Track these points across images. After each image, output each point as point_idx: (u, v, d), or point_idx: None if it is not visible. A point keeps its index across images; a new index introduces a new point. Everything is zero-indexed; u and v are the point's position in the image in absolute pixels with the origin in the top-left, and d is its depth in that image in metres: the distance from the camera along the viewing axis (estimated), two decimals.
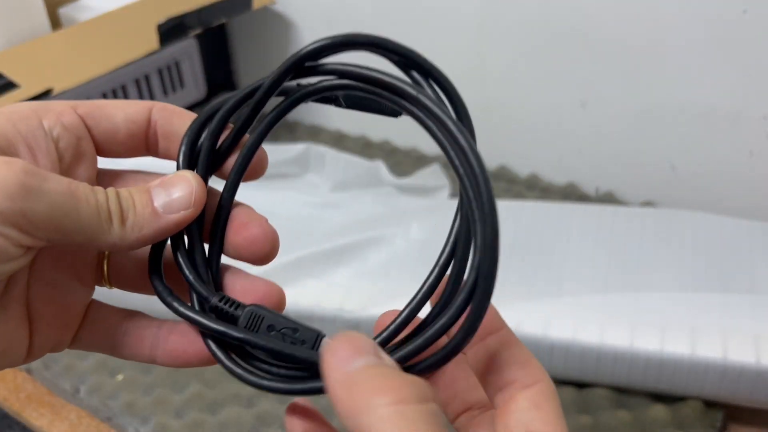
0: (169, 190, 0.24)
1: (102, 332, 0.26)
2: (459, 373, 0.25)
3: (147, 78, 0.80)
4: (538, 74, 0.72)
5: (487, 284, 0.21)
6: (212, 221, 0.25)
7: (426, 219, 0.64)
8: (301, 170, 0.72)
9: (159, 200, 0.23)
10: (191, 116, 0.26)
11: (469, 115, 0.25)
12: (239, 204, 0.26)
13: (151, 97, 0.81)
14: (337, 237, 0.62)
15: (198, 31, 0.78)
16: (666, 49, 0.64)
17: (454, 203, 0.77)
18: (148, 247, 0.25)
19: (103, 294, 0.27)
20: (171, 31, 0.74)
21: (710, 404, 0.52)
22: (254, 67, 0.92)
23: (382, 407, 0.18)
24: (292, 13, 0.85)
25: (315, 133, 0.87)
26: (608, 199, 0.73)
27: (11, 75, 0.65)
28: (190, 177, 0.24)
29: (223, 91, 0.91)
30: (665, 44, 0.64)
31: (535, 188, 0.75)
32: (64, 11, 0.81)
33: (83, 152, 0.25)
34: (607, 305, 0.54)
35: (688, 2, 0.61)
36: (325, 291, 0.57)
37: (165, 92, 0.83)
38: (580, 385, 0.54)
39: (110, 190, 0.23)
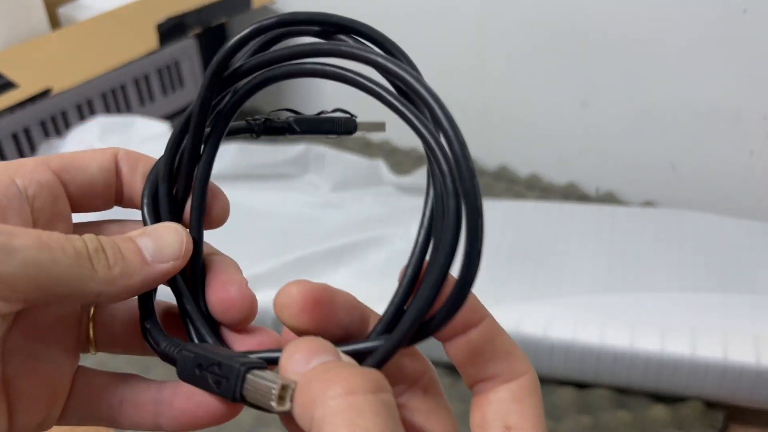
0: (158, 242, 0.22)
1: (94, 403, 0.24)
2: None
3: (146, 78, 0.80)
4: (539, 74, 0.72)
5: (466, 272, 0.20)
6: (189, 273, 0.24)
7: None
8: (300, 171, 0.72)
9: (147, 249, 0.22)
10: (154, 161, 0.25)
11: (408, 57, 0.24)
12: (219, 256, 0.25)
13: (151, 97, 0.81)
14: (337, 237, 0.62)
15: (197, 30, 0.78)
16: (666, 49, 0.64)
17: None
18: (134, 305, 0.24)
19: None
20: (170, 30, 0.73)
21: (711, 404, 0.52)
22: None
23: (332, 399, 0.18)
24: None
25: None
26: (608, 199, 0.72)
27: (10, 74, 0.65)
28: (178, 227, 0.23)
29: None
30: (665, 44, 0.64)
31: (536, 188, 0.75)
32: (63, 11, 0.81)
33: (59, 212, 0.23)
34: (607, 305, 0.54)
35: (688, 2, 0.61)
36: None
37: (164, 92, 0.83)
38: (581, 386, 0.53)
39: (87, 236, 0.21)
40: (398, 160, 0.79)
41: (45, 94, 0.65)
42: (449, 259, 0.20)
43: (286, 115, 0.26)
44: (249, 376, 0.20)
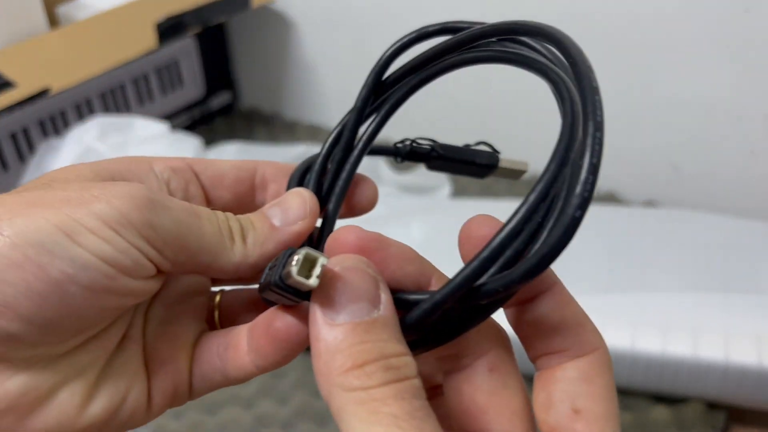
0: (284, 206, 0.24)
1: (212, 360, 0.24)
2: None
3: (146, 77, 0.80)
4: None
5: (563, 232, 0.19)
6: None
7: (426, 219, 0.64)
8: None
9: (276, 217, 0.23)
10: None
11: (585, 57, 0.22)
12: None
13: (150, 97, 0.81)
14: None
15: (197, 30, 0.77)
16: (667, 48, 0.64)
17: (455, 203, 0.77)
18: (256, 287, 0.24)
19: None
20: (170, 29, 0.73)
21: (712, 405, 0.51)
22: (253, 67, 0.92)
23: (351, 392, 0.17)
24: (291, 12, 0.84)
25: (314, 133, 0.87)
26: (609, 198, 0.72)
27: (8, 74, 0.65)
28: (302, 190, 0.24)
29: (222, 90, 0.91)
30: (666, 43, 0.64)
31: None
32: (61, 10, 0.81)
33: (193, 195, 0.25)
34: (608, 305, 0.53)
35: (689, 1, 0.60)
36: None
37: (164, 91, 0.83)
38: None
39: (228, 213, 0.23)
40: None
41: (44, 93, 0.65)
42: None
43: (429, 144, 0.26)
44: (302, 254, 0.19)
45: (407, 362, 0.18)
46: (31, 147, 0.71)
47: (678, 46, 0.63)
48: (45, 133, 0.72)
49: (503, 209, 0.71)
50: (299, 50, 0.86)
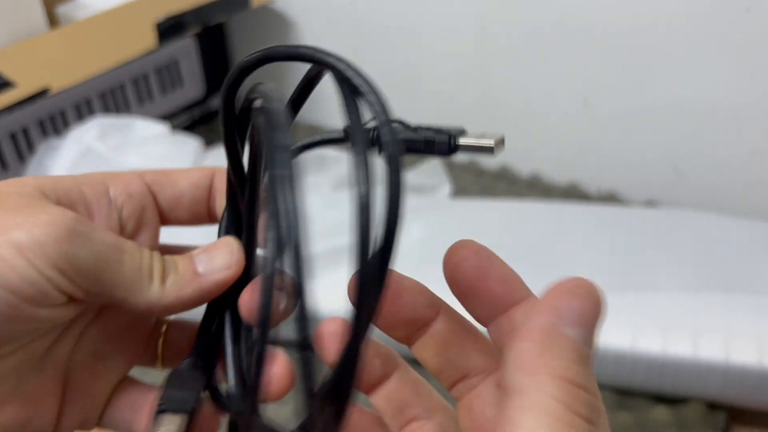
0: (211, 253, 0.24)
1: (127, 409, 0.25)
2: (451, 336, 0.23)
3: (145, 77, 0.80)
4: (540, 73, 0.71)
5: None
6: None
7: (426, 219, 0.64)
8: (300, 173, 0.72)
9: (201, 264, 0.23)
10: None
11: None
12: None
13: (150, 96, 0.81)
14: (337, 237, 0.62)
15: (196, 29, 0.77)
16: (668, 48, 0.64)
17: (455, 202, 0.77)
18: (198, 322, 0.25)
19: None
20: (169, 29, 0.73)
21: (713, 406, 0.51)
22: None
23: (551, 396, 0.17)
24: (291, 12, 0.84)
25: (314, 132, 0.86)
26: (610, 198, 0.72)
27: (8, 73, 0.65)
28: (231, 240, 0.24)
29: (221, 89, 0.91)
30: (667, 43, 0.64)
31: (537, 188, 0.75)
32: (61, 9, 0.80)
33: (146, 221, 0.25)
34: (608, 306, 0.53)
35: (690, 1, 0.60)
36: (325, 291, 0.57)
37: (163, 91, 0.82)
38: None
39: (155, 252, 0.23)
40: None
41: (43, 93, 0.65)
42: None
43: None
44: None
45: (601, 411, 0.18)
46: (31, 147, 0.71)
47: (679, 46, 0.63)
48: (44, 133, 0.72)
49: (504, 209, 0.72)
50: None
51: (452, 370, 0.23)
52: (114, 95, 0.77)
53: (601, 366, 0.51)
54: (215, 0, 0.76)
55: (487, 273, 0.22)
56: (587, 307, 0.19)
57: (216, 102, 0.91)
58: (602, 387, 0.52)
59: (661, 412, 0.51)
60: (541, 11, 0.68)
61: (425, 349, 0.23)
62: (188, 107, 0.87)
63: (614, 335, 0.51)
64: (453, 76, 0.77)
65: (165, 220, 0.26)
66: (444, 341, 0.23)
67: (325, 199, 0.69)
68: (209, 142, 0.81)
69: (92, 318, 0.24)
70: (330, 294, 0.60)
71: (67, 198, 0.23)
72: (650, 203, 0.70)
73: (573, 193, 0.73)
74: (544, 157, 0.76)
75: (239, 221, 0.25)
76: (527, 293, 0.22)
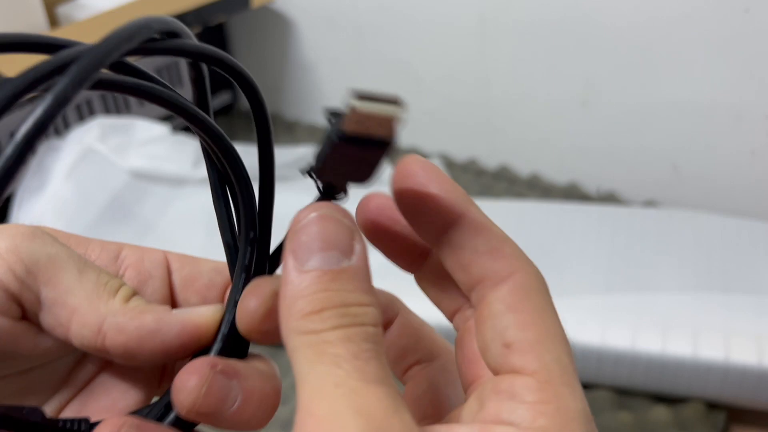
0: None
1: None
2: (400, 329, 0.23)
3: None
4: (539, 74, 0.72)
5: None
6: None
7: None
8: (300, 174, 0.72)
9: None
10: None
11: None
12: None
13: None
14: None
15: (197, 29, 0.77)
16: (668, 49, 0.64)
17: None
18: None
19: None
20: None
21: (712, 405, 0.51)
22: (252, 66, 0.92)
23: (304, 335, 0.16)
24: (291, 12, 0.84)
25: (314, 132, 0.87)
26: (610, 198, 0.72)
27: (8, 74, 0.65)
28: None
29: (221, 90, 0.91)
30: (667, 43, 0.64)
31: (536, 188, 0.75)
32: (62, 10, 0.81)
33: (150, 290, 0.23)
34: (608, 306, 0.53)
35: (690, 1, 0.60)
36: None
37: None
38: (582, 386, 0.53)
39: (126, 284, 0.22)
40: (398, 159, 0.79)
41: None
42: None
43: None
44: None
45: (368, 312, 0.17)
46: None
47: (678, 46, 0.63)
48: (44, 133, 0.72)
49: (503, 209, 0.72)
50: (299, 50, 0.86)
51: (449, 300, 0.21)
52: (114, 95, 0.77)
53: (600, 366, 0.51)
54: (215, 0, 0.76)
55: (432, 186, 0.20)
56: (322, 230, 0.18)
57: (216, 102, 0.91)
58: (602, 387, 0.53)
59: (660, 412, 0.51)
60: (541, 12, 0.68)
61: (425, 278, 0.22)
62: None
63: (614, 335, 0.51)
64: (452, 76, 0.77)
65: (175, 303, 0.23)
66: (441, 270, 0.21)
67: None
68: None
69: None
70: None
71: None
72: (650, 203, 0.71)
73: (573, 193, 0.73)
74: (544, 157, 0.76)
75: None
76: (462, 210, 0.19)
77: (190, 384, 0.19)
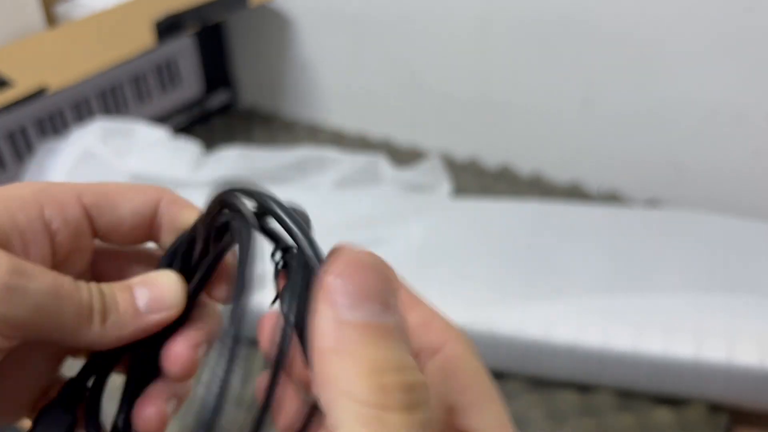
0: (153, 291, 0.22)
1: None
2: None
3: (144, 76, 0.79)
4: (541, 72, 0.71)
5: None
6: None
7: (426, 219, 0.63)
8: (301, 174, 0.72)
9: (142, 299, 0.22)
10: (197, 211, 0.25)
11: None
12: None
13: (149, 96, 0.81)
14: (337, 237, 0.61)
15: (195, 28, 0.77)
16: (670, 47, 0.64)
17: (454, 202, 0.76)
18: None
19: None
20: (168, 28, 0.73)
21: (715, 407, 0.51)
22: (251, 65, 0.91)
23: (361, 406, 0.15)
24: (289, 11, 0.84)
25: (314, 132, 0.86)
26: (611, 197, 0.72)
27: (6, 72, 0.64)
28: (175, 277, 0.23)
29: (220, 89, 0.91)
30: (669, 42, 0.63)
31: (538, 187, 0.75)
32: (59, 9, 0.80)
33: (80, 247, 0.23)
34: (610, 307, 0.53)
35: (692, 0, 0.60)
36: None
37: (162, 90, 0.82)
38: (584, 388, 0.53)
39: (94, 287, 0.22)
40: (398, 159, 0.78)
41: (41, 92, 0.64)
42: None
43: None
44: None
45: (423, 383, 0.16)
46: (29, 146, 0.71)
47: (680, 46, 0.63)
48: (43, 133, 0.72)
49: (504, 209, 0.71)
50: (298, 49, 0.86)
51: None
52: (113, 94, 0.77)
53: (603, 367, 0.51)
54: None
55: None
56: (363, 279, 0.16)
57: (215, 101, 0.90)
58: (604, 388, 0.52)
59: (663, 414, 0.51)
60: (542, 11, 0.68)
61: None
62: (187, 106, 0.87)
63: (616, 336, 0.51)
64: (453, 75, 0.77)
65: (103, 238, 0.24)
66: None
67: (325, 200, 0.69)
68: (208, 140, 0.81)
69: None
70: None
71: (2, 231, 0.21)
72: (651, 202, 0.70)
73: (574, 193, 0.73)
74: (545, 157, 0.75)
75: (189, 261, 0.24)
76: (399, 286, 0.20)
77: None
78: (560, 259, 0.59)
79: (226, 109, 0.92)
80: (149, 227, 0.24)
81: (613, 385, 0.52)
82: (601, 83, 0.68)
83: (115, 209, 0.24)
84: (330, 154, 0.71)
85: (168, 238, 0.25)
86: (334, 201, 0.68)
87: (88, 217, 0.23)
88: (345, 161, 0.71)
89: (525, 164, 0.77)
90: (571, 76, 0.69)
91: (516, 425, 0.54)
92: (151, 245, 0.26)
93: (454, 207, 0.66)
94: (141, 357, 0.23)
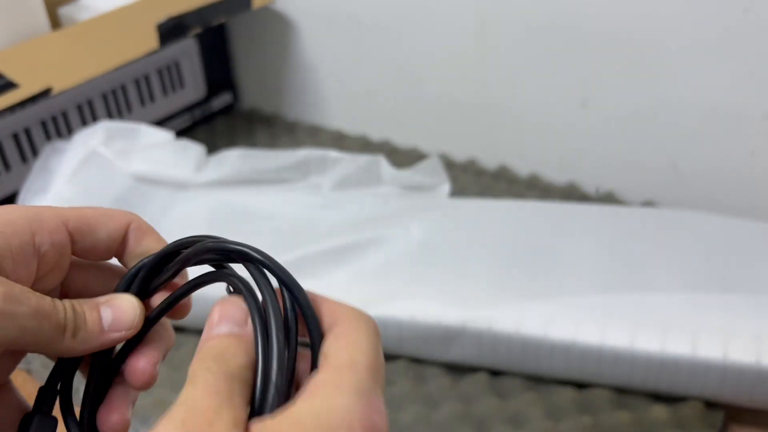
0: (117, 312, 0.26)
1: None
2: None
3: (147, 78, 0.80)
4: (539, 73, 0.72)
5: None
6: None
7: (426, 219, 0.64)
8: (301, 175, 0.72)
9: (106, 319, 0.26)
10: (160, 241, 0.29)
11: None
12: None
13: (151, 97, 0.81)
14: (338, 237, 0.62)
15: (198, 30, 0.78)
16: (667, 48, 0.64)
17: (454, 202, 0.77)
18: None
19: None
20: (171, 30, 0.73)
21: (711, 405, 0.51)
22: (253, 67, 0.92)
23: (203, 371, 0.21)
24: (292, 13, 0.85)
25: (315, 133, 0.87)
26: (609, 198, 0.72)
27: (11, 74, 0.65)
28: (135, 301, 0.27)
29: (222, 90, 0.91)
30: (666, 43, 0.64)
31: (536, 188, 0.75)
32: (63, 11, 0.81)
33: (60, 265, 0.27)
34: (607, 305, 0.54)
35: (689, 1, 0.61)
36: (325, 291, 0.57)
37: (165, 92, 0.83)
38: (581, 386, 0.53)
39: (68, 305, 0.25)
40: (398, 160, 0.79)
41: (45, 93, 0.65)
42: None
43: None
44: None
45: (241, 363, 0.22)
46: (33, 147, 0.71)
47: (677, 47, 0.63)
48: (47, 134, 0.72)
49: (503, 209, 0.72)
50: (300, 51, 0.86)
51: None
52: (116, 96, 0.78)
53: (600, 365, 0.52)
54: (216, 1, 0.76)
55: None
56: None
57: (217, 103, 0.91)
58: (601, 386, 0.53)
59: (659, 411, 0.51)
60: (541, 13, 0.68)
61: None
62: (189, 108, 0.87)
63: (613, 334, 0.51)
64: (452, 77, 0.77)
65: (79, 256, 0.28)
66: None
67: (326, 200, 0.69)
68: (210, 142, 0.82)
69: None
70: (330, 293, 0.60)
71: None
72: (649, 203, 0.71)
73: (572, 194, 0.73)
74: (543, 158, 0.76)
75: (147, 285, 0.28)
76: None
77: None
78: (558, 258, 0.59)
79: (228, 111, 0.93)
80: (118, 250, 0.28)
81: (610, 383, 0.53)
82: (599, 85, 0.69)
83: (94, 234, 0.27)
84: (331, 153, 0.72)
85: (130, 258, 0.28)
86: (334, 201, 0.69)
87: (72, 240, 0.27)
88: (346, 161, 0.71)
89: (523, 166, 0.77)
90: (569, 78, 0.70)
91: (514, 422, 0.55)
92: (114, 260, 0.29)
93: (453, 207, 0.67)
94: (101, 363, 0.28)
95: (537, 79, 0.72)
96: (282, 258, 0.25)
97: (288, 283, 0.25)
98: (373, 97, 0.84)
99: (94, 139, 0.68)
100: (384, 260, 0.60)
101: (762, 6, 0.58)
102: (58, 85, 0.66)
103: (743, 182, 0.66)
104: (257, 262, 0.25)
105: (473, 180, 0.76)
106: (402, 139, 0.84)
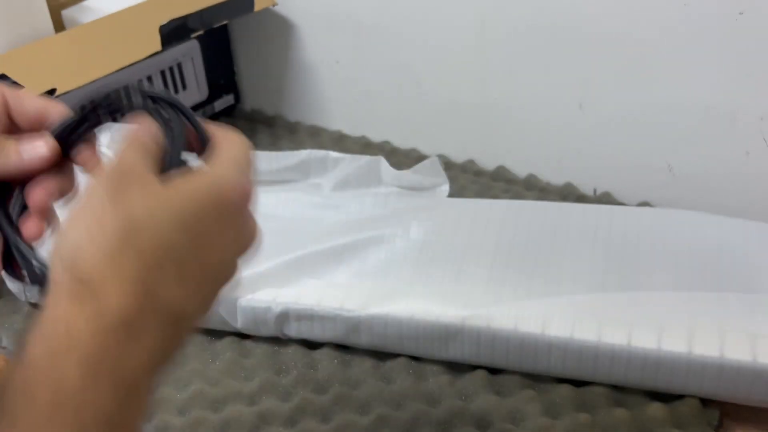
0: (35, 143, 0.34)
1: None
2: None
3: (149, 79, 0.81)
4: (536, 75, 0.72)
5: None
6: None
7: (425, 219, 0.64)
8: (302, 176, 0.73)
9: (26, 151, 0.34)
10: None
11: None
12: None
13: None
14: (338, 237, 0.63)
15: (200, 32, 0.78)
16: (663, 51, 0.64)
17: (454, 203, 0.77)
18: None
19: None
20: (173, 32, 0.74)
21: (707, 402, 0.52)
22: (255, 69, 0.92)
23: None
24: (293, 15, 0.85)
25: (315, 134, 0.87)
26: (606, 199, 0.73)
27: (15, 76, 0.65)
28: (51, 140, 0.35)
29: (224, 92, 0.92)
30: (662, 45, 0.64)
31: (534, 188, 0.76)
32: (67, 13, 0.81)
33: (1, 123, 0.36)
34: (604, 304, 0.54)
35: (684, 3, 0.61)
36: (325, 290, 0.58)
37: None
38: (578, 384, 0.54)
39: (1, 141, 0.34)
40: (398, 161, 0.80)
41: (49, 95, 0.66)
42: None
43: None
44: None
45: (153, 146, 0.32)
46: None
47: (673, 49, 0.64)
48: None
49: (501, 209, 0.72)
50: (301, 53, 0.87)
51: None
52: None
53: (597, 363, 0.52)
54: (219, 3, 0.77)
55: None
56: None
57: (219, 104, 0.91)
58: (598, 384, 0.53)
59: (656, 409, 0.51)
60: (539, 15, 0.69)
61: None
62: (192, 109, 0.88)
63: (610, 333, 0.51)
64: (451, 78, 0.77)
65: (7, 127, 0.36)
66: None
67: (326, 200, 0.70)
68: None
69: None
70: (330, 294, 0.61)
71: None
72: (645, 204, 0.71)
73: (569, 194, 0.74)
74: (541, 159, 0.76)
75: (69, 137, 0.36)
76: None
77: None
78: (555, 257, 0.60)
79: (230, 112, 0.93)
80: (40, 124, 0.36)
81: (607, 381, 0.53)
82: (596, 87, 0.69)
83: (25, 107, 0.36)
84: (331, 154, 0.72)
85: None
86: (335, 201, 0.69)
87: (7, 105, 0.35)
88: (346, 161, 0.72)
89: (521, 167, 0.78)
90: (567, 80, 0.70)
91: (512, 419, 0.55)
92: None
93: (452, 207, 0.67)
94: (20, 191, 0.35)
95: (535, 81, 0.73)
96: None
97: (181, 108, 0.35)
98: (374, 98, 0.84)
99: (98, 141, 0.69)
100: (384, 260, 0.61)
101: (756, 8, 0.59)
102: (62, 87, 0.66)
103: (738, 183, 0.66)
104: (157, 97, 0.36)
105: (472, 180, 0.77)
106: (402, 140, 0.84)
